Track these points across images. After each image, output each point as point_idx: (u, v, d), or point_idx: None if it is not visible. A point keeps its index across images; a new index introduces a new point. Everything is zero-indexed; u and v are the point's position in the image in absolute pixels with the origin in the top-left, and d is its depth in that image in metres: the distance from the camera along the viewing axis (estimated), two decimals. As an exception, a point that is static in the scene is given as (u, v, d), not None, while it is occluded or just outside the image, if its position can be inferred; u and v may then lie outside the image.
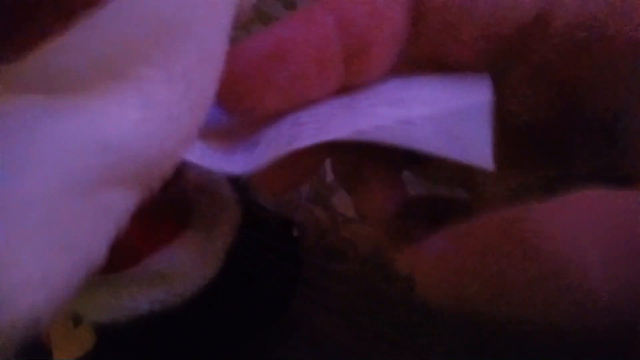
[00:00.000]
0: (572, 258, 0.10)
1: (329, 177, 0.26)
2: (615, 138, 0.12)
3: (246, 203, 0.18)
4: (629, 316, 0.10)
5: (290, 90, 0.13)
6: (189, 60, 0.11)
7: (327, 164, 0.16)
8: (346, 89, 0.13)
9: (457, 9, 0.12)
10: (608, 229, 0.10)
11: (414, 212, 0.15)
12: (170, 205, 0.14)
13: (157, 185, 0.11)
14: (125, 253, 0.15)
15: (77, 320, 0.17)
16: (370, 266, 0.23)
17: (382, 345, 0.22)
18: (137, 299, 0.16)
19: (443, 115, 0.12)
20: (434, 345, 0.22)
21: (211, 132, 0.13)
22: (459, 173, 0.15)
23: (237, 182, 0.18)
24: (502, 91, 0.13)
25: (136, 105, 0.10)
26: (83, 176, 0.09)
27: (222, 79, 0.12)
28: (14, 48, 0.09)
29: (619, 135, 0.12)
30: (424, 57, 0.13)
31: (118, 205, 0.10)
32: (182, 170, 0.15)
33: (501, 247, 0.11)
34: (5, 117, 0.09)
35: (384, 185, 0.15)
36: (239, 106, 0.13)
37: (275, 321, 0.21)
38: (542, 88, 0.13)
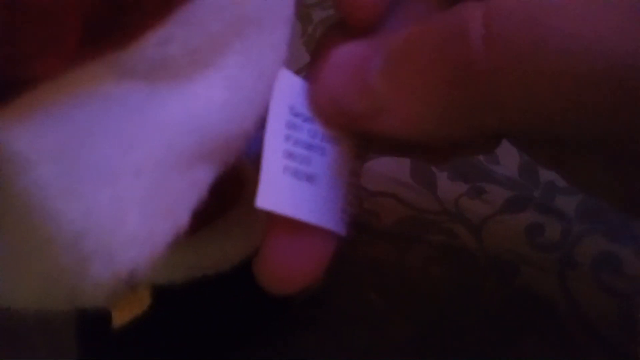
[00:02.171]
0: None
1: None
2: None
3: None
4: None
5: None
6: (262, 48, 0.12)
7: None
8: None
9: None
10: None
11: None
12: (227, 180, 0.15)
13: (232, 161, 0.13)
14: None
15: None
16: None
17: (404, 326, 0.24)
18: (193, 264, 0.17)
19: None
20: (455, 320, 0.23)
21: None
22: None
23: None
24: None
25: (221, 89, 0.11)
26: (179, 151, 0.11)
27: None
28: (121, 39, 0.10)
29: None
30: None
31: (202, 179, 0.12)
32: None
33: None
34: (113, 98, 0.10)
35: None
36: None
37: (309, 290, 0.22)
38: None
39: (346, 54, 0.13)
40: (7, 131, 0.09)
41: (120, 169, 0.10)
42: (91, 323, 0.20)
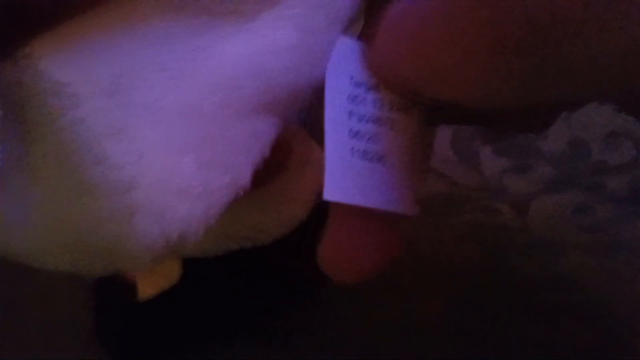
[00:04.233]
0: None
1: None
2: None
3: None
4: None
5: None
6: None
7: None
8: None
9: None
10: None
11: None
12: (277, 142, 0.14)
13: (295, 116, 0.11)
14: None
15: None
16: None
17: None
18: (230, 234, 0.16)
19: None
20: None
21: None
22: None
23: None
24: None
25: (289, 30, 0.10)
26: (240, 96, 0.10)
27: None
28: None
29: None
30: None
31: (265, 132, 0.10)
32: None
33: None
34: (166, 34, 0.09)
35: None
36: None
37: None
38: None
39: (401, 12, 0.11)
40: (52, 61, 0.08)
41: (174, 109, 0.09)
42: (112, 293, 0.19)
